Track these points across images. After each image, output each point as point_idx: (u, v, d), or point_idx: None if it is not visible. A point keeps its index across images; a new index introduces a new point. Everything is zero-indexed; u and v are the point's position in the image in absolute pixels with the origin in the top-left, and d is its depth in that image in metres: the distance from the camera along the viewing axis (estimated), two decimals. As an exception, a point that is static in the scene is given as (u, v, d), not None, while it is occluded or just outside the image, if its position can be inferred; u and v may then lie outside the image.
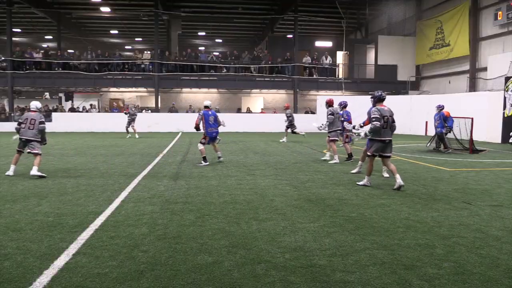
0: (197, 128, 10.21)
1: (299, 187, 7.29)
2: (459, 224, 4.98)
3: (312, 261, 3.75)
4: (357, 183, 7.48)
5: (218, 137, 10.69)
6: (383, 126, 7.03)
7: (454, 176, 8.60)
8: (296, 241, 4.30)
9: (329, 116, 10.67)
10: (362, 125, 8.81)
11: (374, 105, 7.33)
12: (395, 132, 7.43)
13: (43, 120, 8.71)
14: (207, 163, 10.08)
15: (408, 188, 7.26)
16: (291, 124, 17.28)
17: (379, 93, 7.35)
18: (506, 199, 6.46)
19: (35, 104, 8.86)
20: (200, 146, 10.17)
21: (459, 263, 3.74)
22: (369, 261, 3.78)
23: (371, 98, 7.50)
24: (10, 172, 8.56)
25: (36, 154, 8.44)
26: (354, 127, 9.09)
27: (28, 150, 8.52)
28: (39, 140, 8.62)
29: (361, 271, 3.55)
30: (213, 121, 10.27)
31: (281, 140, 17.38)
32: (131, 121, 19.44)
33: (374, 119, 7.04)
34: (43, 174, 8.24)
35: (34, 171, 8.17)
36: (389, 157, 7.30)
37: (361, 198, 6.41)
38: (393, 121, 7.23)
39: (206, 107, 10.38)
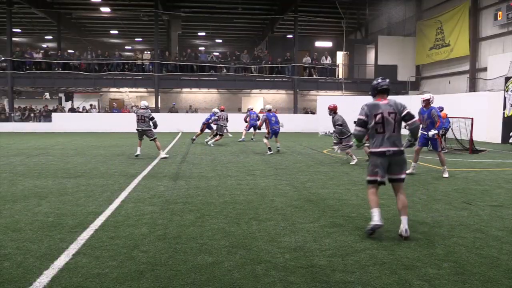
0: (259, 128, 13.45)
1: (299, 188, 7.28)
2: (459, 224, 4.98)
3: (312, 261, 3.75)
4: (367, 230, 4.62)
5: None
6: (377, 129, 4.56)
7: (454, 176, 8.60)
8: (296, 241, 4.30)
9: (337, 127, 10.52)
10: None
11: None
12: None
13: (151, 116, 11.39)
14: (272, 152, 12.56)
15: (408, 188, 7.25)
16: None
17: (377, 81, 4.83)
18: (506, 199, 6.46)
19: (143, 103, 11.70)
20: (265, 140, 12.78)
21: (459, 263, 3.74)
22: (369, 261, 3.78)
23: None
24: (138, 152, 11.50)
25: (153, 140, 11.45)
26: (405, 127, 9.11)
27: (149, 139, 11.47)
28: (150, 129, 11.33)
29: (361, 271, 3.55)
30: (275, 121, 12.74)
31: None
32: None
33: (356, 121, 4.75)
34: (167, 155, 11.43)
35: (162, 154, 11.40)
36: (399, 180, 4.59)
37: (361, 198, 6.41)
38: (407, 118, 4.60)
39: (269, 110, 13.07)
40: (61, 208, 5.63)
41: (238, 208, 5.71)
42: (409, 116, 4.61)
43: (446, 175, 8.50)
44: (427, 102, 8.71)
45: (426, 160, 11.39)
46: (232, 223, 4.98)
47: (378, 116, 4.57)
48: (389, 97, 4.77)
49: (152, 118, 11.34)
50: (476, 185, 7.59)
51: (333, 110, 10.70)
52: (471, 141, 13.35)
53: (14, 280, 3.31)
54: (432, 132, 8.57)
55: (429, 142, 9.11)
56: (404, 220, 4.49)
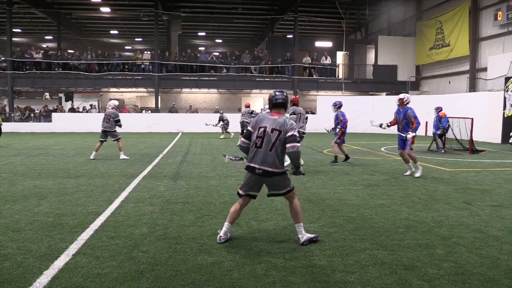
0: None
1: (299, 188, 7.28)
2: (459, 224, 4.98)
3: (312, 261, 3.75)
4: None
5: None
6: (256, 143, 4.23)
7: (454, 177, 8.60)
8: (296, 242, 4.30)
9: (291, 115, 9.80)
10: (389, 124, 8.84)
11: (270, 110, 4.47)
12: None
13: (118, 119, 11.09)
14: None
15: (408, 188, 7.26)
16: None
17: (274, 93, 4.45)
18: (506, 199, 6.46)
19: (112, 102, 11.45)
20: None
21: (459, 263, 3.74)
22: (369, 261, 3.78)
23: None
24: (92, 156, 11.18)
25: (117, 140, 11.23)
26: (381, 125, 9.01)
27: (113, 139, 11.26)
28: (114, 130, 11.14)
29: (361, 271, 3.55)
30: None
31: None
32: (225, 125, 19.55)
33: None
34: (127, 157, 11.09)
35: (122, 156, 11.13)
36: (280, 195, 4.34)
37: (361, 199, 6.41)
38: (288, 141, 4.16)
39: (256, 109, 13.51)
40: (61, 208, 5.63)
41: (238, 208, 5.70)
42: (291, 139, 4.14)
43: (410, 173, 8.61)
44: (401, 102, 8.49)
45: (426, 160, 11.39)
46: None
47: (261, 130, 4.22)
48: (286, 114, 4.38)
49: (118, 121, 11.06)
50: (476, 185, 7.59)
51: (291, 102, 9.88)
52: (471, 141, 13.35)
53: (14, 280, 3.31)
54: (410, 134, 8.34)
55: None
56: (297, 227, 4.26)
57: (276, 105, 4.37)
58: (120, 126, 11.17)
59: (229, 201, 6.17)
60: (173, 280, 3.34)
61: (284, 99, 4.38)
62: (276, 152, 4.16)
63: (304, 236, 4.24)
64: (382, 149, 14.00)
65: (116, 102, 11.58)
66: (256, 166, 4.20)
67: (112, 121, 11.04)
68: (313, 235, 4.32)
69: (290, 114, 9.71)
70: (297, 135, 4.23)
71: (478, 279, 3.39)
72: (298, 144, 4.18)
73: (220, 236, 4.28)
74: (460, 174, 8.99)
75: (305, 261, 3.76)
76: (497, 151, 14.13)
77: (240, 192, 4.39)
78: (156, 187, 7.24)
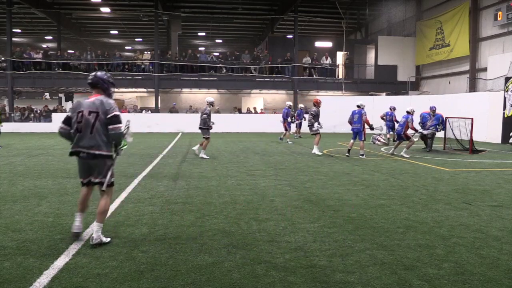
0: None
1: (299, 188, 7.28)
2: (459, 225, 4.98)
3: (312, 262, 3.75)
4: None
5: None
6: (77, 128, 4.19)
7: (454, 177, 8.60)
8: (296, 242, 4.30)
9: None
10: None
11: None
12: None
13: (206, 112, 10.97)
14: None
15: (408, 188, 7.26)
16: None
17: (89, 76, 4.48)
18: (506, 199, 6.46)
19: (206, 99, 11.37)
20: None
21: (459, 263, 3.74)
22: (369, 261, 3.78)
23: None
24: (195, 147, 11.95)
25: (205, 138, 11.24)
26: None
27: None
28: (205, 128, 11.07)
29: (361, 271, 3.55)
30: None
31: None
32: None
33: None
34: (206, 157, 11.18)
35: (201, 153, 11.30)
36: (96, 184, 4.37)
37: (361, 199, 6.41)
38: (109, 122, 4.18)
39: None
40: (61, 208, 5.63)
41: (238, 208, 5.71)
42: (112, 120, 4.18)
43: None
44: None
45: (426, 160, 11.39)
46: (232, 223, 4.98)
47: (79, 114, 4.21)
48: (103, 96, 4.32)
49: (205, 114, 10.85)
50: (476, 185, 7.59)
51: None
52: (471, 141, 13.35)
53: (14, 280, 3.31)
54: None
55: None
56: (96, 226, 4.16)
57: (89, 85, 4.40)
58: None
59: (229, 201, 6.17)
60: (173, 280, 3.34)
61: (92, 80, 4.37)
62: (98, 134, 4.18)
63: (100, 238, 4.14)
64: (382, 149, 13.99)
65: (210, 99, 11.28)
66: (79, 149, 4.19)
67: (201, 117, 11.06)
68: (107, 239, 4.23)
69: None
70: (120, 115, 4.22)
71: (478, 279, 3.39)
72: (121, 125, 4.22)
73: (73, 230, 4.30)
74: (460, 174, 8.99)
75: (305, 261, 3.76)
76: (497, 151, 14.13)
77: (81, 180, 4.40)
78: (156, 187, 7.24)
